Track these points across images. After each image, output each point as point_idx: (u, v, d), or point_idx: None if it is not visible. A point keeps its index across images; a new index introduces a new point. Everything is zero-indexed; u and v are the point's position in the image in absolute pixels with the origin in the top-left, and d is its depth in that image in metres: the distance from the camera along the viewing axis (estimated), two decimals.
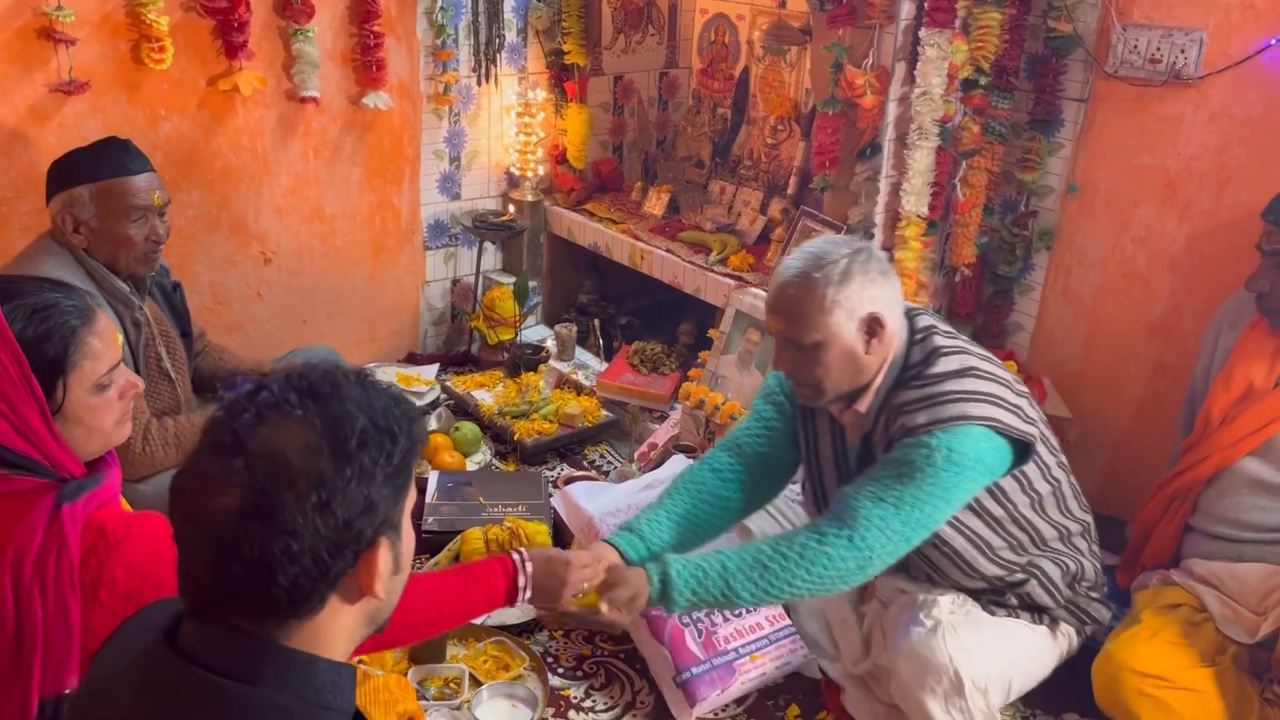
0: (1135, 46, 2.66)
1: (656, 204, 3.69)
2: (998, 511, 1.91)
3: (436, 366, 3.64)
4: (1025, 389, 1.94)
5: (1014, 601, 1.99)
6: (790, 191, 3.37)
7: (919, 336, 1.89)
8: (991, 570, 1.95)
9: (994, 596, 2.00)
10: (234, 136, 3.14)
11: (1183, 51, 2.57)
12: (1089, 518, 2.08)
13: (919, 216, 2.74)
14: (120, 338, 1.54)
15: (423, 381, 3.49)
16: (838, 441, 2.02)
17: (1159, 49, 2.61)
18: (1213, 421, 2.18)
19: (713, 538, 2.00)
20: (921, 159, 2.69)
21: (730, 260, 3.25)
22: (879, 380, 1.87)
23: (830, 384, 1.86)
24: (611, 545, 1.86)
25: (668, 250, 3.41)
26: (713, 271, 3.23)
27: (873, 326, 1.82)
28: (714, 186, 3.68)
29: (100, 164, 2.30)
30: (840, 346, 1.81)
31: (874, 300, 1.80)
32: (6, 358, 1.38)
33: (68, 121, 2.84)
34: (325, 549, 0.97)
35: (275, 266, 3.36)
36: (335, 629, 1.03)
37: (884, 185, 2.75)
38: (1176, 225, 2.70)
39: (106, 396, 1.49)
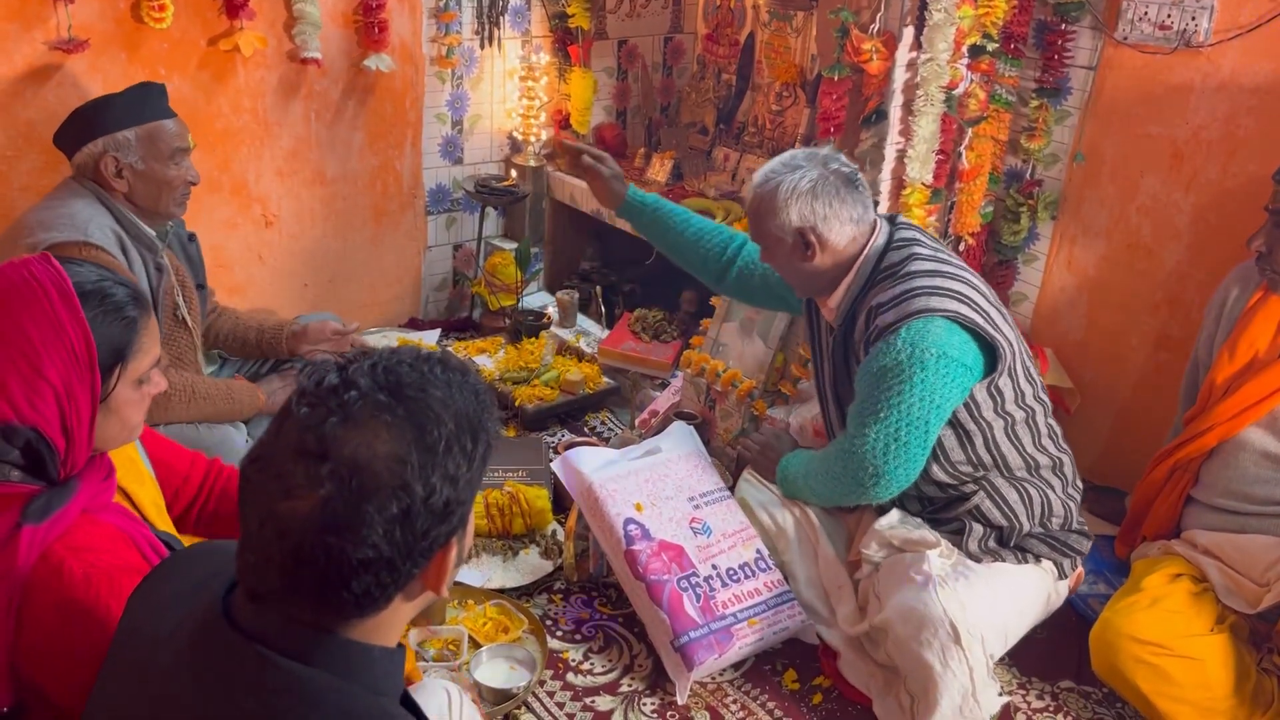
0: (1145, 13, 2.62)
1: (660, 170, 3.66)
2: (970, 426, 2.00)
3: (438, 332, 3.64)
4: (1005, 309, 2.05)
5: (979, 531, 2.04)
6: None
7: (898, 244, 2.04)
8: (941, 477, 2.04)
9: (942, 512, 2.08)
10: (235, 97, 3.10)
11: (1193, 18, 2.54)
12: (1065, 456, 2.14)
13: (924, 184, 2.72)
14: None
15: (424, 347, 3.47)
16: (828, 335, 2.20)
17: (1169, 15, 2.58)
18: (1216, 391, 2.17)
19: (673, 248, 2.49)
20: (927, 126, 2.66)
21: (734, 227, 3.22)
22: (849, 279, 2.05)
23: (789, 280, 2.13)
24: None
25: None
26: None
27: (805, 239, 2.01)
28: (718, 153, 3.65)
29: (144, 107, 2.36)
30: (781, 252, 2.06)
31: (804, 217, 2.00)
32: (79, 341, 1.32)
33: (66, 80, 2.80)
34: (400, 558, 0.95)
35: (277, 229, 3.34)
36: (393, 622, 1.02)
37: (889, 152, 2.72)
38: (1183, 195, 2.67)
39: (144, 391, 1.44)
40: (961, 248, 3.02)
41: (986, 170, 2.90)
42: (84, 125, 2.33)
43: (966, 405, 1.96)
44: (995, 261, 3.10)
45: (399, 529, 0.93)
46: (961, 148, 2.85)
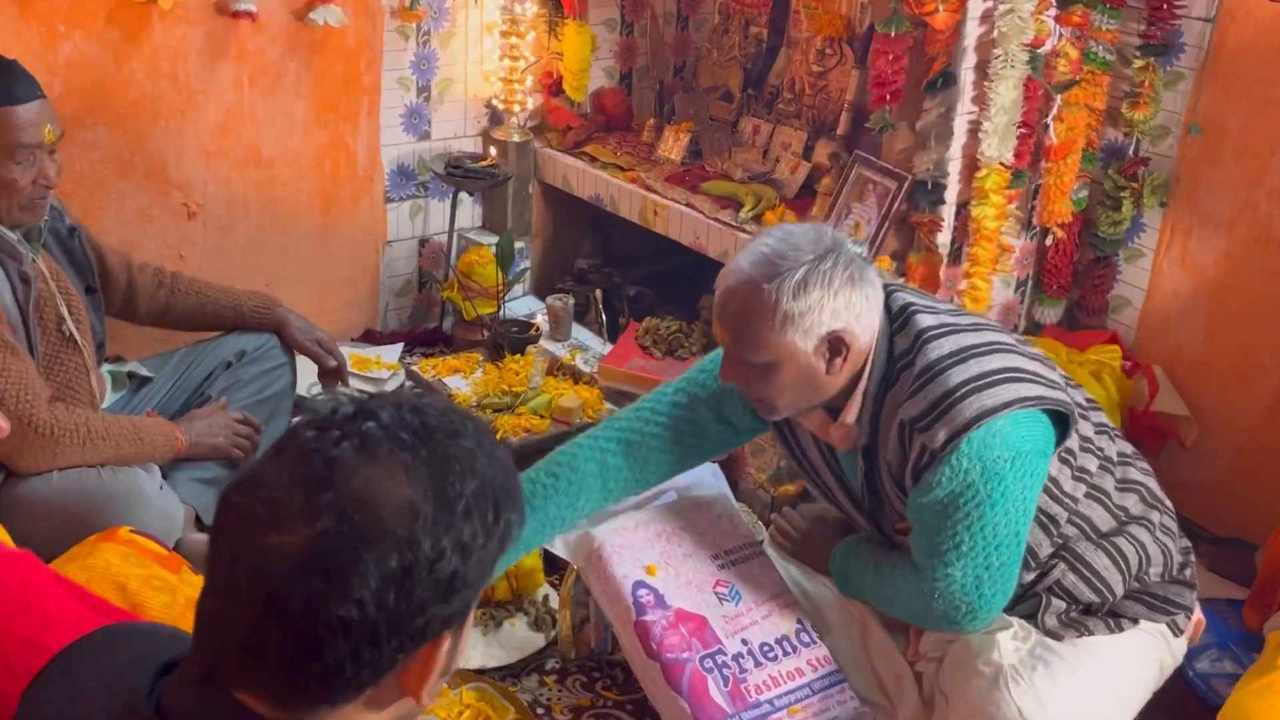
0: None
1: (674, 147, 3.67)
2: (1053, 509, 1.98)
3: (400, 347, 3.66)
4: (1037, 349, 2.02)
5: (1058, 605, 2.02)
6: (840, 132, 3.35)
7: (898, 317, 1.97)
8: (1024, 577, 2.01)
9: (1015, 602, 2.04)
10: (150, 60, 3.12)
11: None
12: (1150, 480, 2.13)
13: (1002, 164, 2.73)
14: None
15: (383, 366, 3.50)
16: (826, 452, 2.12)
17: None
18: None
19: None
20: (1006, 93, 2.67)
21: (766, 217, 3.23)
22: (863, 384, 1.96)
23: (785, 404, 1.97)
24: None
25: (688, 204, 3.39)
26: (744, 231, 3.21)
27: (835, 345, 1.89)
28: (745, 125, 3.66)
29: None
30: (794, 367, 1.90)
31: (836, 315, 1.87)
32: None
33: None
34: (386, 631, 0.96)
35: (201, 221, 3.35)
36: None
37: (959, 125, 2.74)
38: None
39: None
40: (1049, 242, 3.03)
41: (1080, 147, 2.90)
42: None
43: (1045, 489, 1.95)
44: (1091, 259, 3.10)
45: (394, 591, 0.95)
46: (1049, 119, 2.86)
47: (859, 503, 2.13)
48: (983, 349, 1.91)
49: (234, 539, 0.97)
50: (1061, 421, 1.92)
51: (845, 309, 1.87)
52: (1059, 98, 2.84)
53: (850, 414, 1.98)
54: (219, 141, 3.31)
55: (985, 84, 2.68)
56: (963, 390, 1.85)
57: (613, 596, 2.24)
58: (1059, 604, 2.02)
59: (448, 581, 0.98)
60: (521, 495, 1.08)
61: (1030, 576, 2.02)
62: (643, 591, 2.23)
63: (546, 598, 2.60)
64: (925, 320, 1.94)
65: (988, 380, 1.86)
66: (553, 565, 2.65)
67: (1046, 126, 2.86)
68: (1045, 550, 2.00)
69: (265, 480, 0.98)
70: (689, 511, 2.40)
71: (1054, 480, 1.96)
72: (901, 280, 2.87)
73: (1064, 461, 1.97)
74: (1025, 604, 2.05)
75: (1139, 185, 2.96)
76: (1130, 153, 2.98)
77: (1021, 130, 2.75)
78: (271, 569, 0.94)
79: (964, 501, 1.86)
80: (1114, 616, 2.04)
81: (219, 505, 1.01)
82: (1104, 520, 2.04)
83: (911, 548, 1.99)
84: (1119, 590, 2.02)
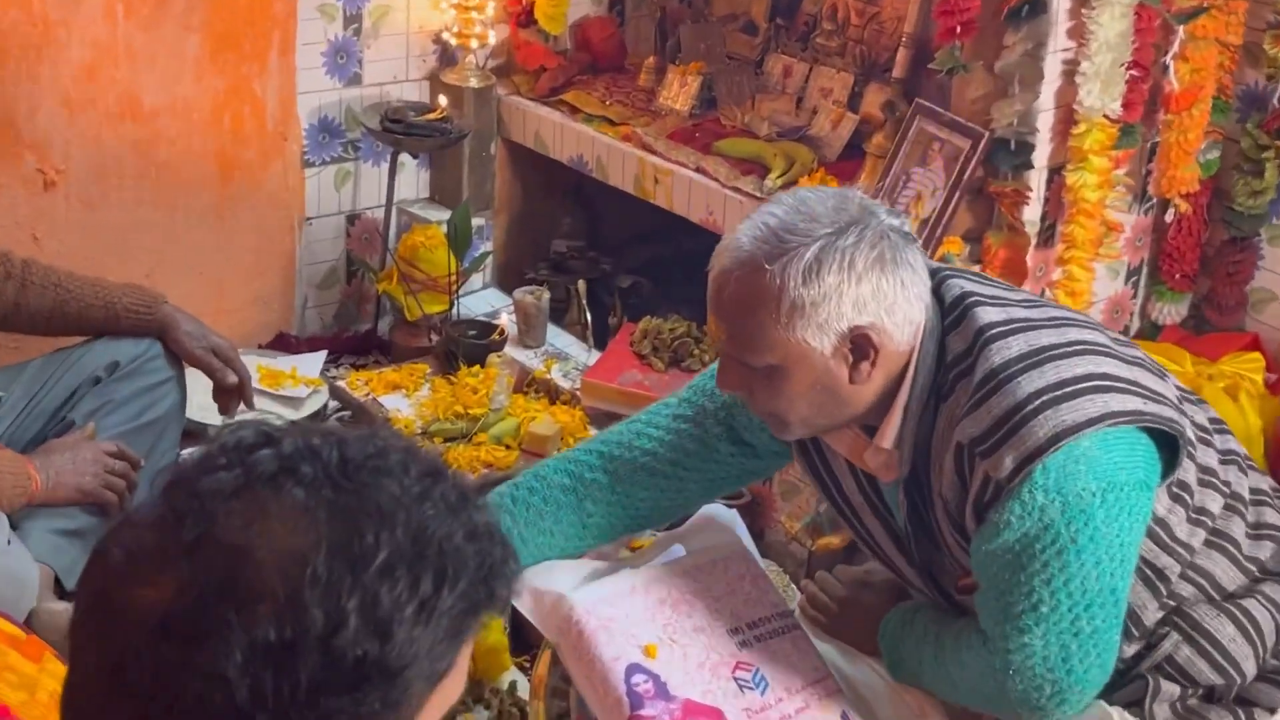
0: None
1: (679, 94, 3.69)
2: (1161, 561, 1.98)
3: (323, 355, 3.66)
4: (1143, 353, 2.02)
5: (1171, 691, 2.02)
6: (897, 74, 3.35)
7: (954, 314, 1.97)
8: (1125, 651, 2.00)
9: (1113, 687, 2.03)
10: None
11: None
12: None
13: (1107, 117, 2.74)
14: None
15: (300, 380, 3.50)
16: (867, 485, 2.13)
17: None
18: None
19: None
20: (1111, 24, 2.69)
21: (799, 185, 3.21)
22: (902, 397, 1.96)
23: (798, 419, 1.99)
24: None
25: (698, 169, 3.41)
26: None
27: (860, 345, 1.90)
28: (773, 65, 3.66)
29: None
30: (807, 372, 1.92)
31: (860, 306, 1.87)
32: None
33: None
34: None
35: (62, 193, 3.36)
36: None
37: (1051, 66, 2.75)
38: None
39: None
40: (1169, 219, 3.04)
41: (1209, 94, 2.92)
42: None
43: (1151, 533, 1.95)
44: (1223, 240, 3.12)
45: (271, 672, 0.92)
46: (1168, 58, 2.87)
47: (909, 553, 2.13)
48: (1063, 350, 1.91)
49: (89, 594, 0.99)
50: (1170, 444, 1.91)
51: (873, 298, 1.87)
52: (1181, 30, 2.85)
53: (887, 436, 1.98)
54: (85, 88, 3.31)
55: (1084, 12, 2.70)
56: (1036, 403, 1.85)
57: (599, 685, 2.21)
58: (1171, 688, 2.02)
59: (353, 668, 0.95)
60: (506, 570, 1.04)
61: (1133, 650, 2.02)
62: (639, 678, 2.20)
63: (514, 685, 2.60)
64: (989, 314, 1.93)
65: (1068, 389, 1.86)
66: (522, 643, 2.64)
67: (1165, 68, 2.88)
68: (1152, 615, 2.00)
69: (135, 521, 0.99)
70: (700, 571, 2.38)
71: (1163, 522, 1.96)
72: (977, 267, 2.89)
73: (1176, 499, 1.97)
74: (1128, 688, 2.05)
75: None
76: (1274, 102, 2.98)
77: (1133, 73, 2.76)
78: (121, 630, 0.94)
79: (1041, 548, 1.85)
80: (1244, 705, 2.05)
81: (91, 554, 1.00)
82: (1230, 576, 2.04)
83: (977, 610, 1.99)
84: (1250, 669, 2.02)
